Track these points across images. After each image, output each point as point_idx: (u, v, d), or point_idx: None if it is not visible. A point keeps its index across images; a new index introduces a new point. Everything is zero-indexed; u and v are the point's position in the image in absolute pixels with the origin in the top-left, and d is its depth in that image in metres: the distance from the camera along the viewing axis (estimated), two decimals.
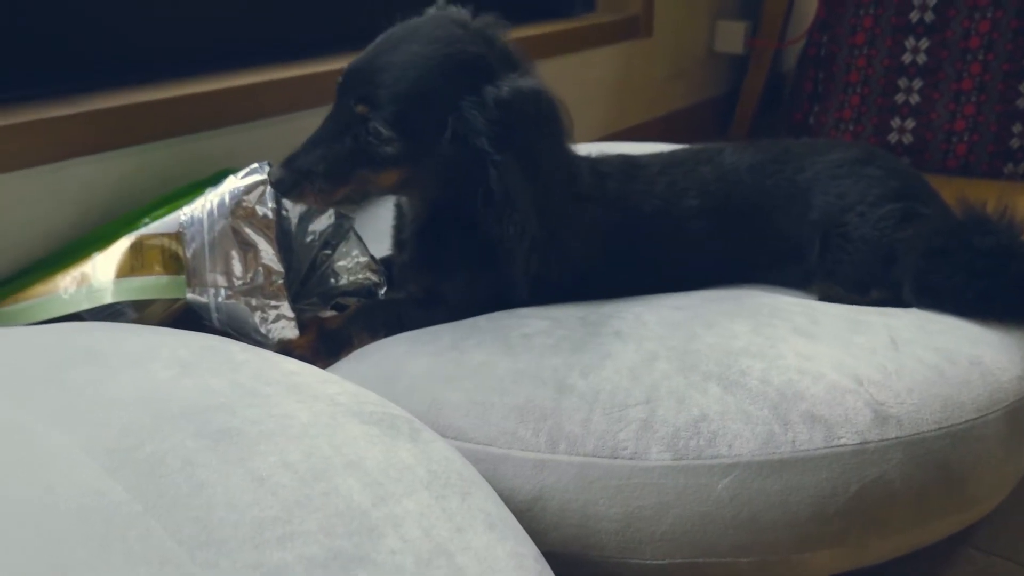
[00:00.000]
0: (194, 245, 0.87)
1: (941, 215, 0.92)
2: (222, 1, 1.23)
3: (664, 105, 2.18)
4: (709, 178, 0.94)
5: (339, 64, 0.83)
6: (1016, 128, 1.86)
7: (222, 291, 0.86)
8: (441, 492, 0.51)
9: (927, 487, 0.68)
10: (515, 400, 0.70)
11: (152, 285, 0.86)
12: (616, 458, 0.66)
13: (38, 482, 0.46)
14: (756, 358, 0.72)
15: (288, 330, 0.87)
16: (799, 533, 0.65)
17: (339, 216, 0.96)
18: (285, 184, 0.80)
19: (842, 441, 0.66)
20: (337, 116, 0.81)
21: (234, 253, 0.87)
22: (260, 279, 0.87)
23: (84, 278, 0.87)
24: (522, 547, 0.51)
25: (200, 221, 0.87)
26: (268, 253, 0.87)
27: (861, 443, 0.66)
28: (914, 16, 1.93)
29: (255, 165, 0.91)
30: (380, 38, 0.82)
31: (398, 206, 0.96)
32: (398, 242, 0.97)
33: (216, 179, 0.95)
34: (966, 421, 0.70)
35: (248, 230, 0.87)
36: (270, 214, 0.88)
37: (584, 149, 0.97)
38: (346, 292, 0.96)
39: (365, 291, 0.97)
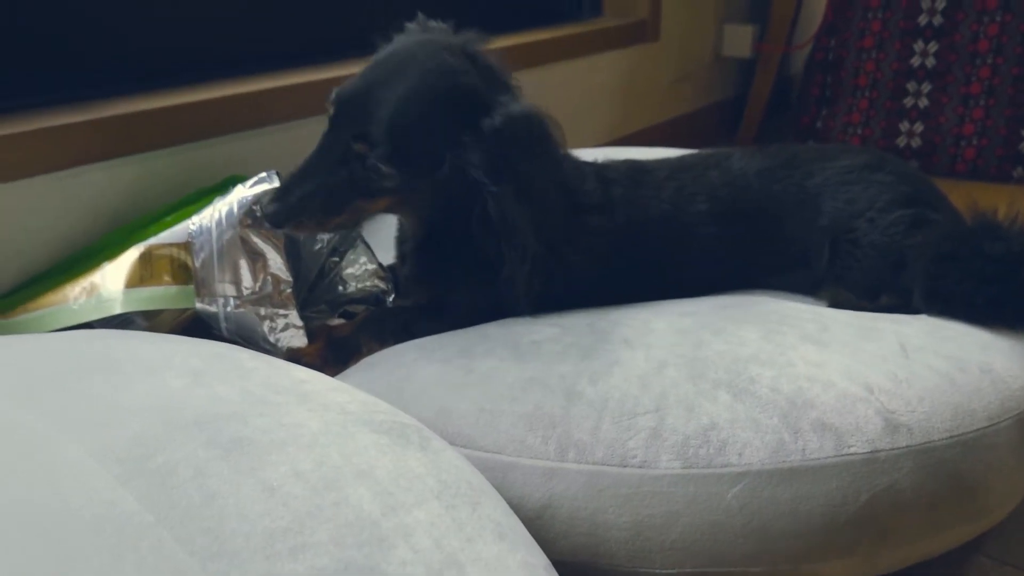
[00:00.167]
0: (203, 255, 0.87)
1: (951, 221, 0.91)
2: (229, 8, 1.23)
3: (671, 109, 2.18)
4: (717, 183, 0.93)
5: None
6: None
7: (231, 300, 0.87)
8: (451, 502, 0.51)
9: (938, 496, 0.67)
10: (524, 408, 0.69)
11: (161, 295, 0.87)
12: (625, 466, 0.65)
13: (51, 491, 0.46)
14: (766, 366, 0.71)
15: (297, 339, 0.87)
16: (809, 542, 0.65)
17: None
18: (280, 218, 0.79)
19: (852, 450, 0.65)
20: (331, 148, 0.79)
21: (243, 262, 0.87)
22: (269, 288, 0.87)
23: (93, 288, 0.87)
24: (533, 557, 0.51)
25: (209, 231, 0.88)
26: (276, 262, 0.88)
27: (872, 452, 0.66)
28: (923, 20, 1.92)
29: (263, 174, 0.91)
30: (369, 66, 0.81)
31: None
32: (401, 253, 0.97)
33: (224, 186, 0.95)
34: (977, 429, 0.69)
35: (256, 239, 0.87)
36: None
37: (590, 155, 0.97)
38: (354, 299, 0.97)
39: (373, 298, 0.97)
